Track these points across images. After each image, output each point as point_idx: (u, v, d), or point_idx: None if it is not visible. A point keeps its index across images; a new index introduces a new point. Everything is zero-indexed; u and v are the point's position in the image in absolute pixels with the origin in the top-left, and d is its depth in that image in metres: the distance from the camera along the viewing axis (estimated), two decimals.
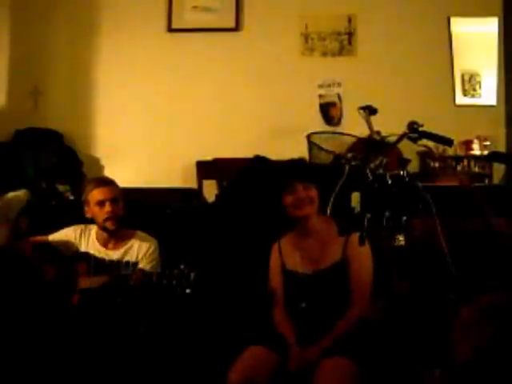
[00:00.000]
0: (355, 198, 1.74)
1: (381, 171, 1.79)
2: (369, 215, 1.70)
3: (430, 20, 4.07)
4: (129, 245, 2.46)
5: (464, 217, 2.53)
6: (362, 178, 1.79)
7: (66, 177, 3.74)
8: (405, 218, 1.72)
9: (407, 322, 2.05)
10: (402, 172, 1.79)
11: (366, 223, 1.69)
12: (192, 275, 2.05)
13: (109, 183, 2.50)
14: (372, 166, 1.81)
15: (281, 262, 2.22)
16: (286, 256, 2.22)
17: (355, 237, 2.11)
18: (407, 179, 1.77)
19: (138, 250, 2.44)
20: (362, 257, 2.11)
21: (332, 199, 1.81)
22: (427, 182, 3.40)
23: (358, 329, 2.00)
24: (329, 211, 1.92)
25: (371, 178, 1.77)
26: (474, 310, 1.94)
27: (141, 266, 2.38)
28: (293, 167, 2.25)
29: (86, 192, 2.47)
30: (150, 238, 2.51)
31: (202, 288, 2.11)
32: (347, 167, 1.86)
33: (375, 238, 1.96)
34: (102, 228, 2.45)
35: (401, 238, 1.72)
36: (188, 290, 2.04)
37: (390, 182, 1.75)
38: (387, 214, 1.71)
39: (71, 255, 2.46)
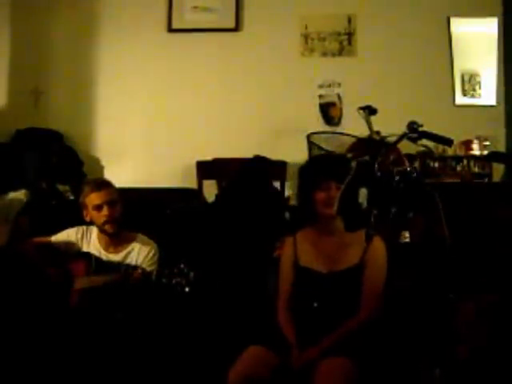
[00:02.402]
0: (362, 193, 1.73)
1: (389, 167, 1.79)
2: (375, 211, 1.69)
3: (430, 20, 4.08)
4: (129, 248, 2.46)
5: (466, 212, 2.52)
6: (369, 173, 1.77)
7: (66, 177, 3.74)
8: (411, 214, 1.71)
9: (407, 321, 2.05)
10: (409, 168, 1.78)
11: (372, 219, 1.68)
12: (192, 274, 2.05)
13: (105, 186, 2.48)
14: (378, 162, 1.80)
15: (294, 258, 2.18)
16: (301, 252, 2.17)
17: (377, 242, 2.10)
18: (414, 175, 1.76)
19: (138, 254, 2.44)
20: (380, 263, 2.09)
21: (339, 195, 1.79)
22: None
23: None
24: (336, 207, 1.91)
25: (379, 174, 1.76)
26: (474, 309, 1.94)
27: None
28: (331, 165, 2.21)
29: (83, 196, 2.46)
30: (151, 242, 2.50)
31: (202, 287, 2.11)
32: (354, 164, 1.85)
33: (379, 234, 1.96)
34: (102, 231, 2.45)
35: (406, 234, 1.71)
36: (187, 289, 2.04)
37: (396, 178, 1.74)
38: (393, 210, 1.70)
39: (72, 255, 2.46)
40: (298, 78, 4.10)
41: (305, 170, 2.27)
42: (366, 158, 1.87)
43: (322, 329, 2.00)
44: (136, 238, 2.49)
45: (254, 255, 2.42)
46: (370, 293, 2.05)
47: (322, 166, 2.22)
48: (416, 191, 1.74)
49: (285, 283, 2.17)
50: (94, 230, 2.50)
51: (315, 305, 2.06)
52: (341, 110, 4.10)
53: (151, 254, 2.45)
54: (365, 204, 1.69)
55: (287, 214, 2.99)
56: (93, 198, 2.42)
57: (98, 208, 2.41)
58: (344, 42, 4.14)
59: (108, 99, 4.20)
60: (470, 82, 4.08)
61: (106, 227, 2.41)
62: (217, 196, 3.51)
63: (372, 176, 1.76)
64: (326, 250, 2.13)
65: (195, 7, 4.19)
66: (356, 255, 2.09)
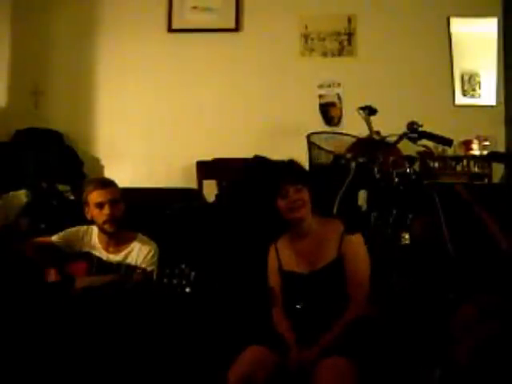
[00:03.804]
0: (362, 196, 1.74)
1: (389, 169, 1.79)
2: (375, 214, 1.69)
3: (429, 20, 4.09)
4: (130, 248, 2.46)
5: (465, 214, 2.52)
6: (368, 176, 1.78)
7: (66, 177, 3.75)
8: (411, 216, 1.72)
9: (407, 321, 2.06)
10: (408, 170, 1.78)
11: (372, 221, 1.69)
12: (192, 274, 2.05)
13: (108, 185, 2.49)
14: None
15: (278, 263, 2.22)
16: (283, 257, 2.22)
17: (351, 235, 2.12)
18: (414, 177, 1.76)
19: (138, 254, 2.44)
20: (359, 255, 2.11)
21: (339, 197, 1.79)
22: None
23: (357, 328, 2.00)
24: (335, 209, 1.91)
25: (378, 176, 1.76)
26: (474, 309, 1.95)
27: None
28: (282, 171, 2.24)
29: (86, 193, 2.47)
30: (151, 241, 2.50)
31: (202, 287, 2.11)
32: (354, 165, 1.85)
33: (379, 236, 1.96)
34: (102, 230, 2.45)
35: (406, 236, 1.71)
36: (188, 289, 2.04)
37: (396, 180, 1.74)
38: (394, 212, 1.70)
39: (73, 255, 2.47)
40: (297, 78, 4.11)
41: (261, 183, 2.30)
42: (360, 159, 1.87)
43: (312, 328, 2.01)
44: (136, 238, 2.49)
45: (255, 256, 2.43)
46: (355, 285, 2.07)
47: (273, 174, 2.24)
48: (416, 193, 1.74)
49: (274, 289, 2.20)
50: (95, 230, 2.50)
51: (300, 306, 2.09)
52: (341, 110, 4.10)
53: (151, 254, 2.45)
54: (365, 206, 1.70)
55: None
56: (95, 196, 2.42)
57: (100, 206, 2.41)
58: (344, 42, 4.14)
59: (108, 99, 4.21)
60: (470, 82, 4.08)
61: (106, 226, 2.41)
62: (217, 196, 3.52)
63: (372, 178, 1.76)
64: (305, 251, 2.16)
65: (195, 7, 4.19)
66: (333, 250, 2.11)
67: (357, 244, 2.12)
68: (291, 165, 2.28)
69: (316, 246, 2.15)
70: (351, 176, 1.80)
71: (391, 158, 1.83)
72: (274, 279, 2.23)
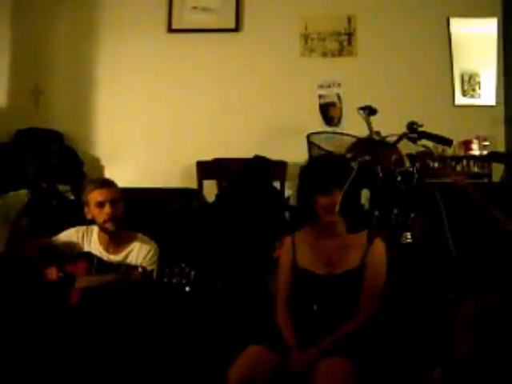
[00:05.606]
0: (365, 195, 1.72)
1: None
2: (377, 212, 1.68)
3: (429, 20, 4.09)
4: (130, 248, 2.46)
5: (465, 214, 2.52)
6: (371, 174, 1.76)
7: (66, 177, 3.75)
8: (413, 215, 1.71)
9: (407, 320, 2.06)
10: (411, 168, 1.77)
11: (374, 221, 1.68)
12: (192, 274, 2.05)
13: (109, 184, 2.49)
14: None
15: (293, 259, 2.16)
16: (300, 253, 2.15)
17: (378, 244, 2.09)
18: (416, 176, 1.75)
19: (139, 254, 2.44)
20: (380, 265, 2.07)
21: (341, 196, 1.78)
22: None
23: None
24: (337, 208, 1.89)
25: (381, 174, 1.75)
26: (474, 308, 1.95)
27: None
28: (334, 170, 2.13)
29: (86, 193, 2.47)
30: (151, 241, 2.50)
31: (202, 287, 2.12)
32: (357, 163, 1.83)
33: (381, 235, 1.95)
34: (102, 229, 2.45)
35: (408, 235, 1.70)
36: (188, 289, 2.04)
37: (399, 179, 1.73)
38: (395, 211, 1.69)
39: (74, 255, 2.47)
40: (297, 78, 4.11)
41: (307, 171, 2.25)
42: (367, 157, 1.87)
43: (321, 331, 1.99)
44: (136, 238, 2.49)
45: (254, 255, 2.43)
46: (369, 295, 2.04)
47: (324, 170, 2.16)
48: (418, 192, 1.74)
49: (283, 284, 2.15)
50: (95, 230, 2.50)
51: (315, 307, 2.05)
52: (341, 110, 4.10)
53: (151, 254, 2.45)
54: (367, 205, 1.69)
55: (287, 214, 3.00)
56: (96, 195, 2.43)
57: (101, 205, 2.41)
58: (344, 42, 4.15)
59: (108, 99, 4.21)
60: (470, 82, 4.08)
61: (107, 225, 2.41)
62: (217, 196, 3.52)
63: (374, 177, 1.75)
64: (326, 253, 2.11)
65: (195, 7, 4.20)
66: (356, 258, 2.07)
67: (380, 256, 2.08)
68: (344, 167, 2.16)
69: (339, 250, 2.10)
70: (354, 174, 1.78)
71: (393, 157, 1.82)
72: (284, 275, 2.16)
